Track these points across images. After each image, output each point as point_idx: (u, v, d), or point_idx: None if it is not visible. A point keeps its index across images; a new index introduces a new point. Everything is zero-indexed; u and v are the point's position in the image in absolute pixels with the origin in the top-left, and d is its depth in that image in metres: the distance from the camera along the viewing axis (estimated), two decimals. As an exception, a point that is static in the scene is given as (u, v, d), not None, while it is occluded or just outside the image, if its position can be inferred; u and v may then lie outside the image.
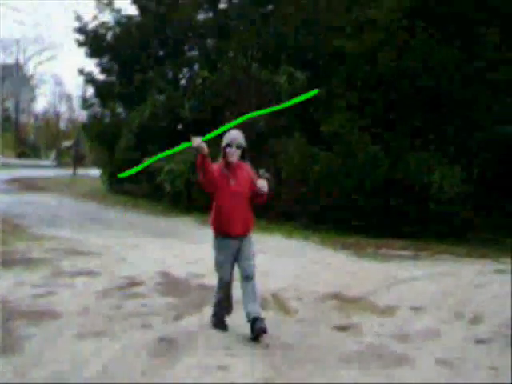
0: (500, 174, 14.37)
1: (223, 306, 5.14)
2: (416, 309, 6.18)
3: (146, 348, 4.51)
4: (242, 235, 5.00)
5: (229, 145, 4.93)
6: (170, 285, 6.78)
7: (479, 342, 5.10)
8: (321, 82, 15.00)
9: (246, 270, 4.94)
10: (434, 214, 14.23)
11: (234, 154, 4.93)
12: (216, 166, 4.91)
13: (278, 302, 6.11)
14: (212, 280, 7.00)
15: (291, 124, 14.94)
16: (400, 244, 12.57)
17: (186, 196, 16.20)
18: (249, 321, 4.80)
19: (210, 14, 20.83)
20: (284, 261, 9.14)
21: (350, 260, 10.11)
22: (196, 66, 20.53)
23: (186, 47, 20.98)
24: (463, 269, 9.18)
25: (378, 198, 14.36)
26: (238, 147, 4.95)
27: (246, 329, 4.81)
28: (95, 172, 27.97)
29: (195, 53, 21.33)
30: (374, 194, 14.21)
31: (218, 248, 5.05)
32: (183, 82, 21.34)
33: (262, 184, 4.88)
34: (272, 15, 17.29)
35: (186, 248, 10.01)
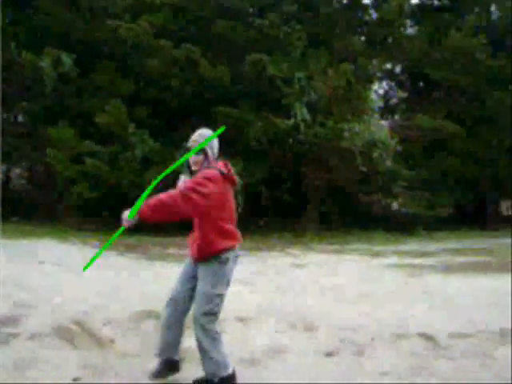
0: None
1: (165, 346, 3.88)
2: (244, 320, 5.52)
3: None
4: (196, 259, 3.85)
5: (188, 150, 3.80)
6: None
7: (329, 355, 4.65)
8: (93, 67, 13.65)
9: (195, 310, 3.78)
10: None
11: (194, 162, 3.79)
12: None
13: (87, 332, 4.92)
14: None
15: (61, 113, 13.29)
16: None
17: None
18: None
19: None
20: (71, 272, 7.78)
21: (143, 264, 9.15)
22: None
23: None
24: (266, 265, 8.92)
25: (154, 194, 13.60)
26: (198, 152, 3.78)
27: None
28: None
29: None
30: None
31: None
32: None
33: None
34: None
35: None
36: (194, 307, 3.76)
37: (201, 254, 3.79)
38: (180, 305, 3.86)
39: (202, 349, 3.70)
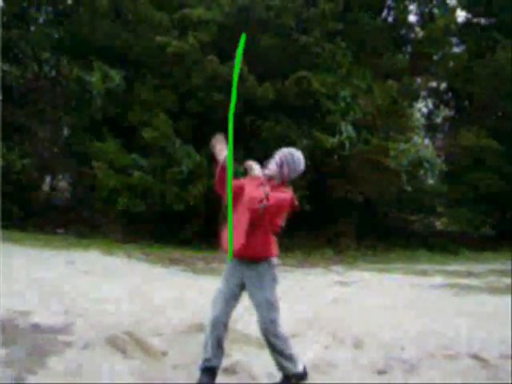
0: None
1: (212, 353, 3.79)
2: (293, 336, 5.49)
3: None
4: (245, 259, 3.78)
5: None
6: (-6, 328, 5.13)
7: (380, 373, 4.57)
8: (139, 82, 13.88)
9: (259, 321, 3.84)
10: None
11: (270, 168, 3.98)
12: None
13: (139, 343, 4.95)
14: (45, 317, 5.62)
15: (103, 126, 13.51)
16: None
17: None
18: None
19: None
20: (120, 284, 7.86)
21: (188, 278, 9.18)
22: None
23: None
24: (309, 282, 8.86)
25: (201, 208, 13.66)
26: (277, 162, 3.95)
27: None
28: None
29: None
30: (196, 204, 13.44)
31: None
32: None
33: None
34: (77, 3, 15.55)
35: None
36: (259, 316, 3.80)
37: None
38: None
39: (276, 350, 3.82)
